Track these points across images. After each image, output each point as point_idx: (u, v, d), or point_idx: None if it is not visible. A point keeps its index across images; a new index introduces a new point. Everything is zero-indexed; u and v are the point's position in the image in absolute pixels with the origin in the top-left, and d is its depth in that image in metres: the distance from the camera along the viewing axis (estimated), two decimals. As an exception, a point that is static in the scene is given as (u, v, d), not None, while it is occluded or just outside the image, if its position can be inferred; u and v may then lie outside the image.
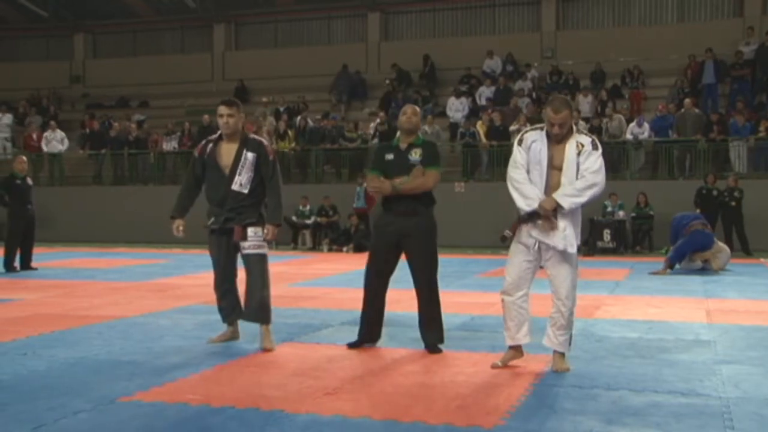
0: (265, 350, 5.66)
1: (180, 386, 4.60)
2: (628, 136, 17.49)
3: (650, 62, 21.02)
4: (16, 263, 11.77)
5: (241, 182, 5.74)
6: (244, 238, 5.73)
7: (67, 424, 3.85)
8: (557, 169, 4.86)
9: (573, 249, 4.86)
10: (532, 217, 4.87)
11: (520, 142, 4.99)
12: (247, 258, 5.80)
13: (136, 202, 19.49)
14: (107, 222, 19.35)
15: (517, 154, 4.96)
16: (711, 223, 13.78)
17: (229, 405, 4.15)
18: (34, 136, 21.35)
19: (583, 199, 4.79)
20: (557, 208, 4.79)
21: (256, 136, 6.07)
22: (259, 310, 5.76)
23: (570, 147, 4.84)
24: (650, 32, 21.90)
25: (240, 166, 5.74)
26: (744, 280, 10.58)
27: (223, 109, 5.79)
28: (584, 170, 4.80)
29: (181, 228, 5.89)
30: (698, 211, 14.49)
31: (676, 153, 17.33)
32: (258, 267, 5.76)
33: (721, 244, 12.17)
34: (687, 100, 17.66)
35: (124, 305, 8.04)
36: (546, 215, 4.79)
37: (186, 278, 10.81)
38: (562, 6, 23.09)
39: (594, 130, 17.02)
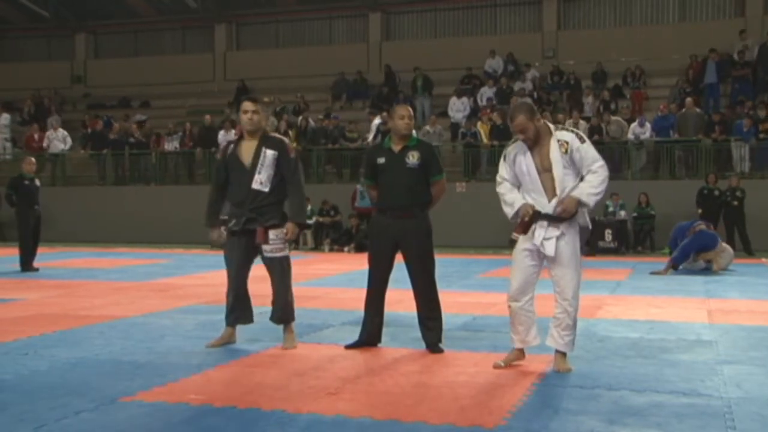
0: (286, 349, 5.68)
1: (181, 386, 4.60)
2: (630, 136, 17.48)
3: (651, 62, 20.99)
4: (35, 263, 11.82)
5: (261, 180, 5.59)
6: (266, 241, 5.60)
7: (68, 424, 3.85)
8: (548, 172, 4.85)
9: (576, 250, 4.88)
10: (537, 217, 4.88)
11: (505, 157, 5.04)
12: (269, 261, 5.70)
13: (138, 202, 19.49)
14: (109, 222, 19.34)
15: (502, 169, 5.05)
16: (713, 223, 13.78)
17: (231, 405, 4.15)
18: (36, 136, 21.32)
19: (602, 191, 4.82)
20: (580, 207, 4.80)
21: (276, 135, 5.97)
22: (284, 313, 5.76)
23: (553, 147, 4.83)
24: (651, 32, 21.89)
25: (260, 164, 5.60)
26: (746, 281, 10.57)
27: (248, 105, 5.68)
28: (589, 165, 4.80)
29: (223, 235, 5.72)
30: (699, 212, 14.48)
31: (677, 153, 17.32)
32: (280, 271, 5.70)
33: (725, 245, 12.18)
34: (688, 100, 17.64)
35: (125, 305, 8.04)
36: (568, 214, 4.78)
37: (187, 278, 10.81)
38: (563, 6, 23.07)
39: (594, 130, 17.02)
